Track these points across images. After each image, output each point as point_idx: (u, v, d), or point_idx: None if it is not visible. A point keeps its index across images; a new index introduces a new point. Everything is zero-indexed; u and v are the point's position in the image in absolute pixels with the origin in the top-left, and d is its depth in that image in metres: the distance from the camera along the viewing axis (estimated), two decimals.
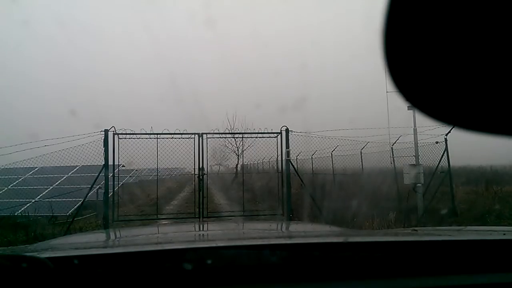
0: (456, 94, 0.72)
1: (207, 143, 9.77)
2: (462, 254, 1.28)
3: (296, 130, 9.75)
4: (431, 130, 9.95)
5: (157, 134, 9.42)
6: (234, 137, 14.37)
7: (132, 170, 18.51)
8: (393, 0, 0.62)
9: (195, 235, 2.80)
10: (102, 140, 8.90)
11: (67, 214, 10.53)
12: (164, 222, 10.14)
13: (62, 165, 10.79)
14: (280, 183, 9.93)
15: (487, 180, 15.09)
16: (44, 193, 12.71)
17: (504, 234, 1.67)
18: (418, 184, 9.42)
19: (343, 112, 33.01)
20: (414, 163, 9.86)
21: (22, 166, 11.54)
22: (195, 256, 1.20)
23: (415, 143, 9.94)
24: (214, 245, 1.51)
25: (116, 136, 9.09)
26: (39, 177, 13.30)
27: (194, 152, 9.60)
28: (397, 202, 10.34)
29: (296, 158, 17.12)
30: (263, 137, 10.02)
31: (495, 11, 0.60)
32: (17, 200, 11.49)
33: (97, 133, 8.97)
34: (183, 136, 9.58)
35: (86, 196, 9.18)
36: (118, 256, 1.31)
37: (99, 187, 9.62)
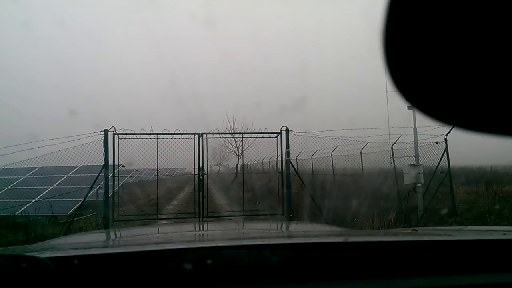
0: (456, 94, 0.72)
1: (207, 143, 9.79)
2: (462, 254, 1.28)
3: (296, 130, 9.76)
4: (431, 130, 9.95)
5: (157, 134, 9.42)
6: (234, 137, 14.41)
7: (132, 170, 18.50)
8: (393, 0, 0.62)
9: (195, 235, 2.79)
10: (102, 140, 8.89)
11: (67, 214, 10.53)
12: (164, 222, 10.13)
13: (62, 165, 10.80)
14: (280, 183, 9.93)
15: (487, 180, 15.09)
16: (44, 193, 12.71)
17: (504, 234, 1.67)
18: (418, 184, 9.41)
19: (343, 112, 33.08)
20: (414, 163, 9.85)
21: (22, 166, 11.53)
22: (195, 256, 1.20)
23: (415, 143, 9.93)
24: (214, 245, 1.50)
25: (116, 136, 9.09)
26: (39, 177, 13.31)
27: (194, 152, 9.60)
28: (397, 202, 10.34)
29: (296, 158, 17.14)
30: (263, 137, 10.02)
31: (494, 11, 0.60)
32: (17, 200, 11.49)
33: (97, 133, 8.98)
34: (183, 136, 9.58)
35: (86, 196, 9.18)
36: (118, 256, 1.31)
37: (99, 187, 9.62)
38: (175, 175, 17.45)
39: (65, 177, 13.93)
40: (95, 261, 1.22)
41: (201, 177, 9.62)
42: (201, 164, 9.63)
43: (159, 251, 1.32)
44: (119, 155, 9.16)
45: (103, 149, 8.85)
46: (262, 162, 22.78)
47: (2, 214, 10.53)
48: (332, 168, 17.80)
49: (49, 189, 13.02)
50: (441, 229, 2.68)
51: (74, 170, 13.81)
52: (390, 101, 9.48)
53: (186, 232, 2.95)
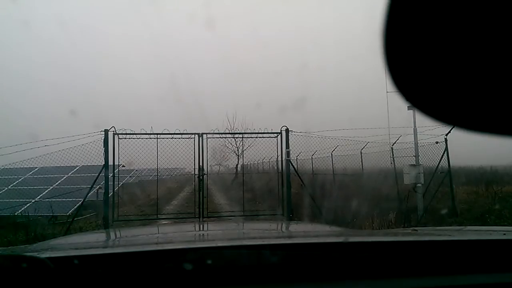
0: (456, 94, 0.72)
1: (207, 143, 9.79)
2: (462, 254, 1.28)
3: (296, 130, 9.77)
4: (431, 130, 9.96)
5: (157, 134, 9.42)
6: (234, 137, 14.40)
7: (132, 170, 18.51)
8: (393, 0, 0.62)
9: (195, 235, 2.79)
10: (102, 140, 8.90)
11: (67, 214, 10.53)
12: (164, 222, 10.13)
13: (62, 165, 10.80)
14: (280, 183, 9.93)
15: (487, 180, 15.07)
16: (44, 193, 12.71)
17: (504, 234, 1.67)
18: (418, 184, 9.41)
19: (343, 112, 33.12)
20: (414, 163, 9.84)
21: (22, 166, 11.53)
22: (195, 256, 1.20)
23: (415, 143, 9.93)
24: (214, 245, 1.50)
25: (116, 136, 9.09)
26: (39, 177, 13.31)
27: (194, 152, 9.60)
28: (397, 202, 10.33)
29: (296, 158, 17.13)
30: (263, 137, 10.02)
31: (494, 11, 0.60)
32: (17, 200, 11.49)
33: (97, 133, 8.99)
34: (183, 136, 9.58)
35: (86, 196, 9.18)
36: (118, 256, 1.31)
37: (99, 187, 9.62)
38: (175, 175, 17.45)
39: (65, 177, 13.92)
40: (95, 261, 1.22)
41: (201, 177, 9.62)
42: (201, 164, 9.64)
43: (159, 251, 1.32)
44: (119, 155, 9.16)
45: (103, 149, 8.85)
46: (262, 162, 22.78)
47: (2, 214, 10.53)
48: (332, 168, 17.80)
49: (49, 189, 13.01)
50: (441, 229, 2.68)
51: (74, 170, 13.81)
52: (390, 101, 9.49)
53: (186, 232, 2.95)
